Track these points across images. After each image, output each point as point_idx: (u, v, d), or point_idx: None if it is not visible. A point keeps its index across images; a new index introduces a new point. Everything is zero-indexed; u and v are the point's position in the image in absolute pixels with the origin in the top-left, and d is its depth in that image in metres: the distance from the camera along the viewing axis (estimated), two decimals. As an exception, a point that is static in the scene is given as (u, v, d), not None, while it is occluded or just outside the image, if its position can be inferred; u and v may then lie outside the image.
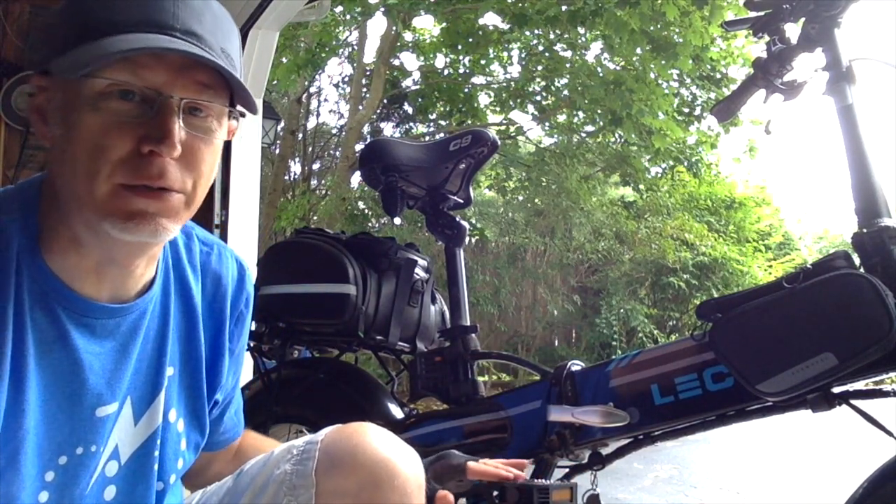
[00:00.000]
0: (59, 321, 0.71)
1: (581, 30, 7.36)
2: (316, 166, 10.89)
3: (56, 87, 0.70)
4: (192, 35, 0.68)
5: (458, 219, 1.64)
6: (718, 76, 7.90)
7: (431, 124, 9.88)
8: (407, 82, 9.41)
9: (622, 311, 8.42)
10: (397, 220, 7.48)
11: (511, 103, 8.96)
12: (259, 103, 3.31)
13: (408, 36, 9.01)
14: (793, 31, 1.32)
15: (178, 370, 0.84)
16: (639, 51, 6.61)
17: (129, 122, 0.66)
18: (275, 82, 8.15)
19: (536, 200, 8.99)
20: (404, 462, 0.81)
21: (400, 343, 1.59)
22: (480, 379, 1.59)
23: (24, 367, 0.68)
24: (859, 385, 1.17)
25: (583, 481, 1.40)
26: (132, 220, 0.67)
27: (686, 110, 8.17)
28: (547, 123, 9.51)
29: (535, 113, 9.14)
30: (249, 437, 1.05)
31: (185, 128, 0.68)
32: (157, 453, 0.81)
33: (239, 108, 0.74)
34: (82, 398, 0.73)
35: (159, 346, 0.80)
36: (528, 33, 7.75)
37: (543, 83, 8.71)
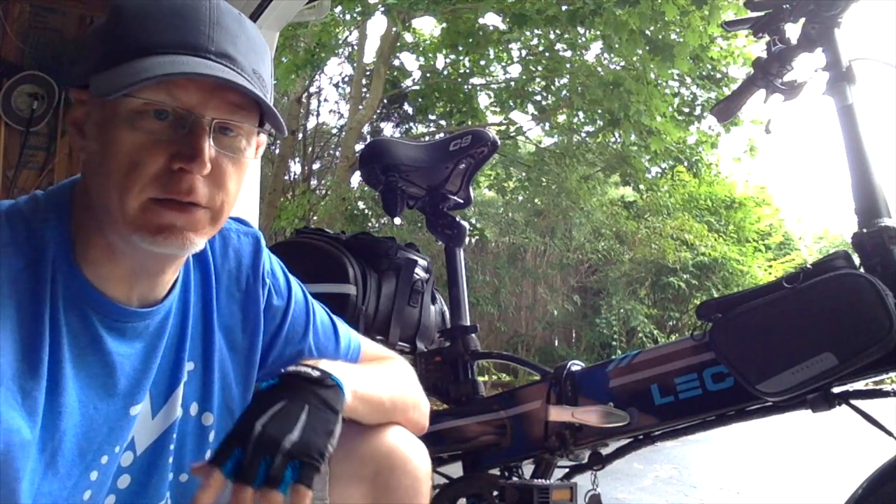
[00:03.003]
0: (93, 326, 0.73)
1: (581, 30, 7.36)
2: (316, 166, 10.88)
3: (94, 103, 0.72)
4: (226, 57, 0.71)
5: (458, 219, 1.65)
6: (719, 76, 7.90)
7: (431, 124, 9.88)
8: (407, 82, 9.41)
9: (622, 311, 8.42)
10: (397, 220, 7.48)
11: (511, 103, 8.96)
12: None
13: (408, 37, 9.02)
14: (793, 31, 1.32)
15: (199, 365, 0.85)
16: (638, 51, 6.61)
17: (162, 139, 0.69)
18: (275, 82, 8.12)
19: (536, 200, 8.98)
20: (414, 450, 0.89)
21: (400, 343, 1.59)
22: (480, 379, 1.59)
23: (59, 371, 0.70)
24: (859, 385, 1.18)
25: (583, 481, 1.40)
26: (161, 233, 0.70)
27: (686, 110, 8.17)
28: (547, 123, 9.51)
29: (535, 113, 9.14)
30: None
31: (214, 146, 0.71)
32: (172, 446, 0.82)
33: (268, 127, 0.77)
34: (117, 399, 0.75)
35: (179, 341, 0.82)
36: (527, 33, 7.75)
37: (543, 83, 8.71)
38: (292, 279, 0.95)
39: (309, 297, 0.97)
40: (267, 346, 0.91)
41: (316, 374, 0.77)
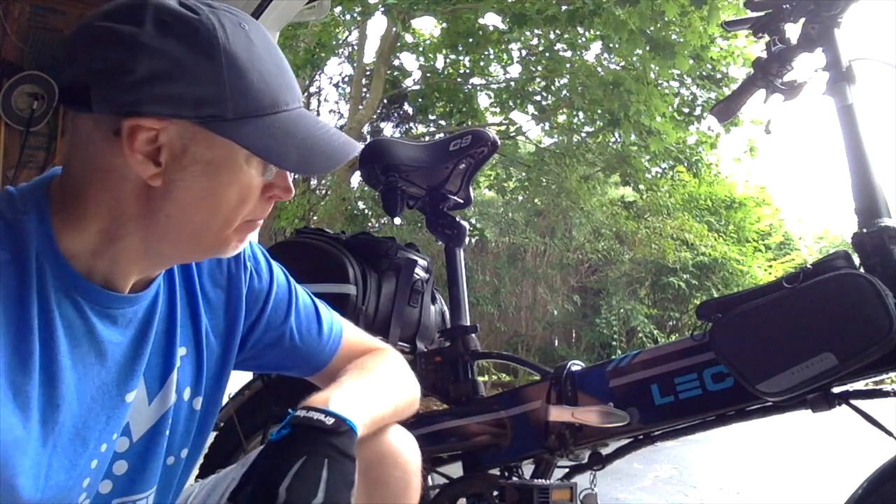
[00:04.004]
0: (86, 315, 0.73)
1: (581, 30, 7.36)
2: (316, 166, 10.86)
3: (185, 137, 0.70)
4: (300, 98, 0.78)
5: (458, 219, 1.65)
6: (719, 76, 7.90)
7: (431, 124, 9.88)
8: (407, 82, 9.42)
9: (622, 311, 8.42)
10: (397, 220, 7.48)
11: (511, 103, 8.96)
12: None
13: (408, 37, 9.02)
14: (793, 31, 1.32)
15: (191, 349, 0.85)
16: (638, 51, 6.61)
17: (260, 174, 0.76)
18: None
19: (536, 200, 8.98)
20: (404, 443, 0.90)
21: (400, 343, 1.59)
22: (480, 379, 1.59)
23: (56, 363, 0.70)
24: (859, 385, 1.18)
25: (583, 481, 1.40)
26: (239, 247, 0.79)
27: (686, 110, 8.17)
28: (547, 123, 9.51)
29: (535, 113, 9.14)
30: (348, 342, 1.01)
31: None
32: (167, 432, 0.83)
33: None
34: (113, 387, 0.76)
35: (169, 327, 0.83)
36: (527, 33, 7.75)
37: (543, 83, 8.71)
38: (274, 263, 0.96)
39: (292, 280, 0.97)
40: (248, 330, 0.91)
41: (330, 421, 0.75)
